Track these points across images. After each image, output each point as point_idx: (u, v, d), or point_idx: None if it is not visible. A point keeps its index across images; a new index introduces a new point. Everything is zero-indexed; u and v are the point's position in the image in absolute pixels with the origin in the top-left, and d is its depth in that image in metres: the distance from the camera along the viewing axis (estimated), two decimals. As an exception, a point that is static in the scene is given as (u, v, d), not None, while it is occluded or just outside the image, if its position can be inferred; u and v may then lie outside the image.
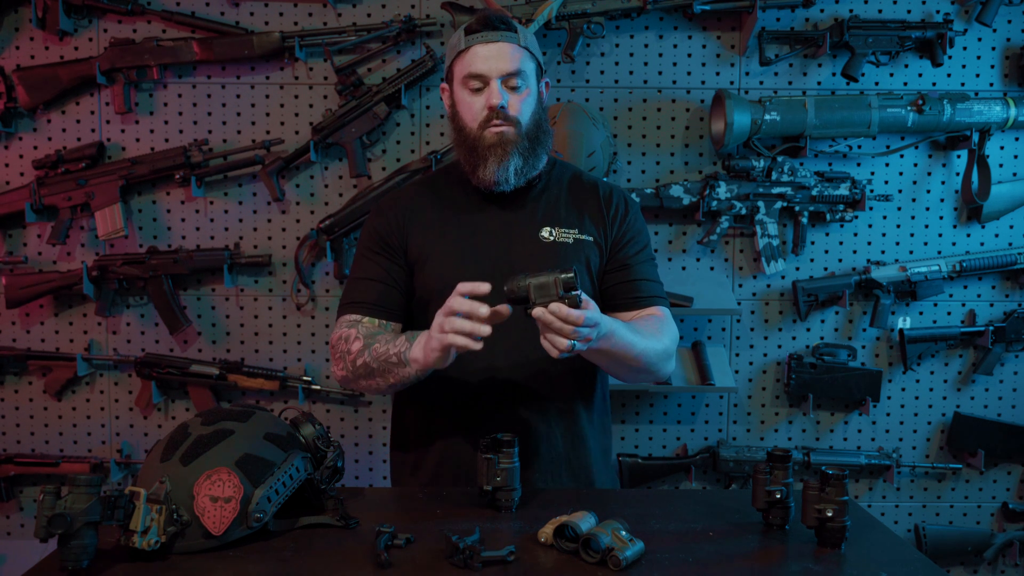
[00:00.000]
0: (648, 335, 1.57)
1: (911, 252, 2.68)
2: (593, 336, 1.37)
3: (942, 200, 2.68)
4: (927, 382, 2.71)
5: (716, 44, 2.63)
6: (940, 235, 2.68)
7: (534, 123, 1.60)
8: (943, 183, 2.67)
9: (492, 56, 1.57)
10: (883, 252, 2.68)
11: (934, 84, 2.64)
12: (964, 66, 2.64)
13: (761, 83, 2.63)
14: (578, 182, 1.72)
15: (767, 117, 2.52)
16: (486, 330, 1.35)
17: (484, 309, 1.34)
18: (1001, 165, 2.66)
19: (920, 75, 2.64)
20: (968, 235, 2.68)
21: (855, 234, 2.68)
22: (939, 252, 2.68)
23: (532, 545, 1.25)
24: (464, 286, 1.37)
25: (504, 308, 1.36)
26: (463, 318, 1.34)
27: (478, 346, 1.35)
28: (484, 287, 1.36)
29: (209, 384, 2.61)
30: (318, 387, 2.64)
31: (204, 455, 1.23)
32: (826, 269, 2.68)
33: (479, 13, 1.63)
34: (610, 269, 1.67)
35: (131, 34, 2.59)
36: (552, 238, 1.63)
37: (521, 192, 1.66)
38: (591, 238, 1.65)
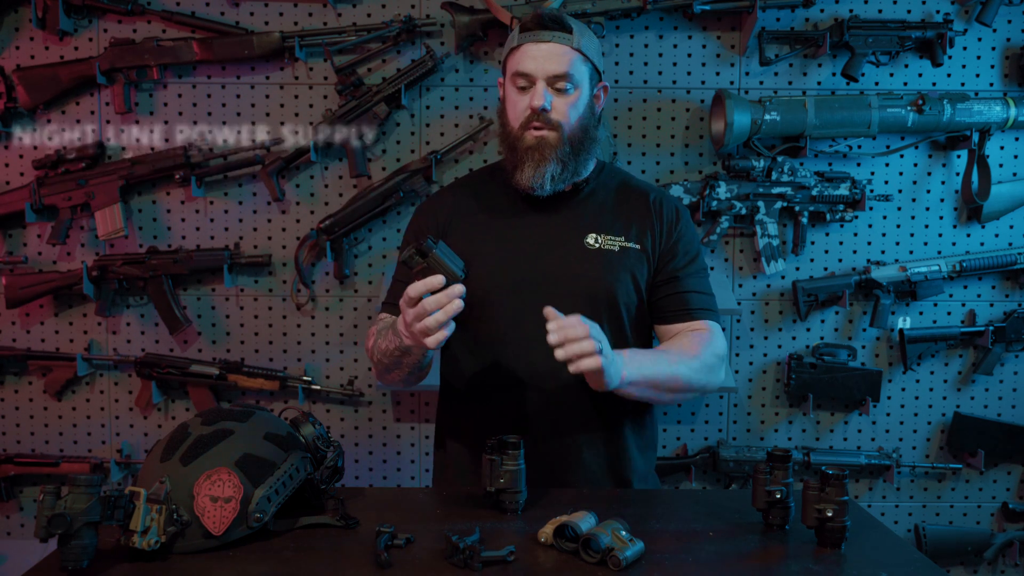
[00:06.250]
0: (678, 355, 1.55)
1: (911, 252, 2.68)
2: (600, 348, 1.36)
3: (942, 200, 2.68)
4: (927, 382, 2.71)
5: (716, 44, 2.63)
6: (940, 235, 2.68)
7: (580, 128, 1.58)
8: (943, 183, 2.67)
9: (541, 56, 1.55)
10: (883, 252, 2.68)
11: (934, 84, 2.64)
12: (964, 66, 2.64)
13: (761, 83, 2.63)
14: (627, 188, 1.69)
15: (767, 117, 2.52)
16: (455, 307, 1.35)
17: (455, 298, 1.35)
18: (1001, 165, 2.66)
19: (920, 75, 2.64)
20: (968, 235, 2.68)
21: (855, 234, 2.68)
22: (939, 252, 2.68)
23: (532, 545, 1.25)
24: (415, 288, 1.35)
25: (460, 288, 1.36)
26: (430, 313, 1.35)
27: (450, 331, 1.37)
28: (436, 280, 1.34)
29: (209, 384, 2.61)
30: (318, 387, 2.64)
31: (204, 455, 1.23)
32: (826, 269, 2.68)
33: (535, 11, 1.61)
34: (658, 282, 1.64)
35: (131, 34, 2.59)
36: (597, 245, 1.61)
37: (567, 195, 1.64)
38: (638, 246, 1.62)
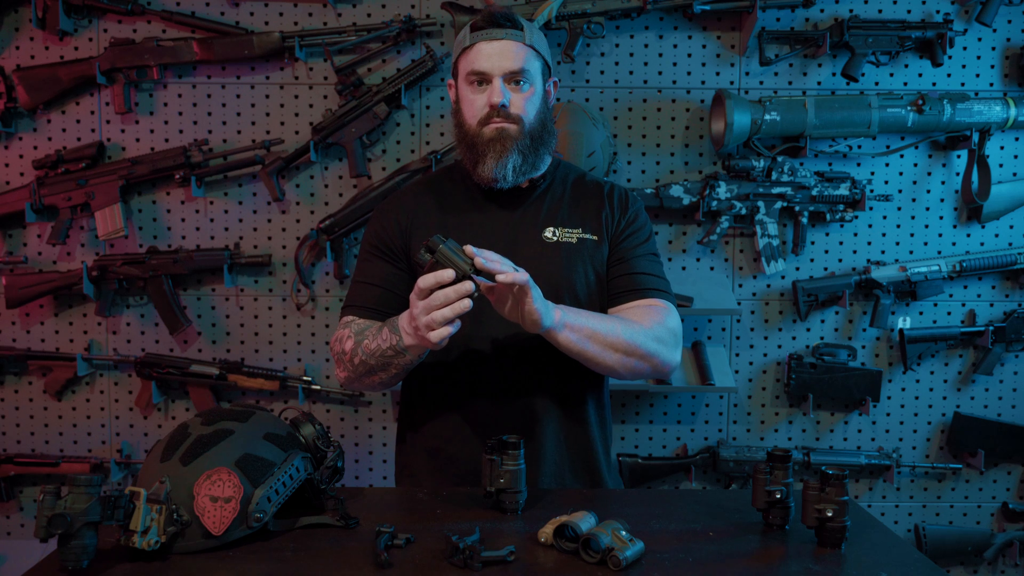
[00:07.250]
0: (621, 319, 1.55)
1: (911, 252, 2.68)
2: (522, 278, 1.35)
3: (942, 200, 2.68)
4: (927, 382, 2.71)
5: (716, 44, 2.63)
6: (940, 235, 2.68)
7: (538, 122, 1.60)
8: (943, 183, 2.67)
9: (495, 54, 1.57)
10: (883, 252, 2.68)
11: (934, 84, 2.64)
12: (964, 66, 2.64)
13: (761, 83, 2.63)
14: (582, 183, 1.72)
15: (767, 117, 2.52)
16: (464, 305, 1.34)
17: (462, 299, 1.34)
18: (1001, 165, 2.66)
19: (920, 75, 2.64)
20: (968, 235, 2.68)
21: (855, 234, 2.68)
22: (939, 252, 2.68)
23: (532, 545, 1.25)
24: (425, 280, 1.34)
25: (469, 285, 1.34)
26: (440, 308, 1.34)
27: (456, 328, 1.36)
28: (447, 274, 1.33)
29: (209, 384, 2.61)
30: (318, 387, 2.64)
31: (204, 455, 1.23)
32: (826, 269, 2.68)
33: (485, 10, 1.63)
34: (610, 263, 1.66)
35: (131, 34, 2.59)
36: (555, 238, 1.63)
37: (525, 192, 1.66)
38: (595, 237, 1.65)
